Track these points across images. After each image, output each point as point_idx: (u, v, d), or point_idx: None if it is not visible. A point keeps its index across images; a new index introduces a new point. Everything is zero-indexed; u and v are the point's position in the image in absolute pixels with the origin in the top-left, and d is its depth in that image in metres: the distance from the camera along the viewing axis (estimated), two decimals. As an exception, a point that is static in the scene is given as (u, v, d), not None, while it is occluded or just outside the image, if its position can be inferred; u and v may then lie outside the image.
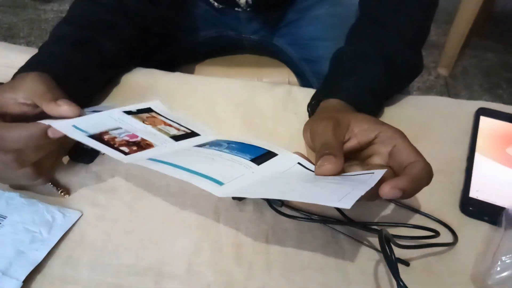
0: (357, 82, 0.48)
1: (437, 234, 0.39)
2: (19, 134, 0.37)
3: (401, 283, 0.33)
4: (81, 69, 0.51)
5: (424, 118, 0.52)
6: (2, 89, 0.42)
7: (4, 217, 0.41)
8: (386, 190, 0.33)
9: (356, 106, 0.46)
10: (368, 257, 0.39)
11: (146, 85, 0.58)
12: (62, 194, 0.44)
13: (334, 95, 0.47)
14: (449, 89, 1.65)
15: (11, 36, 1.93)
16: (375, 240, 0.39)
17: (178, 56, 0.79)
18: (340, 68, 0.52)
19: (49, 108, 0.40)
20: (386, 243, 0.35)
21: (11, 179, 0.42)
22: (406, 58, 0.51)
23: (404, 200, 0.43)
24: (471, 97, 1.60)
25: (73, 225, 0.42)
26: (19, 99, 0.41)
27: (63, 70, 0.47)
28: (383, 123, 0.39)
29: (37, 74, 0.43)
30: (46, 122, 0.38)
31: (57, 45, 0.50)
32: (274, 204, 0.42)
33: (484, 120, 0.51)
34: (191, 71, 0.80)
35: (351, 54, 0.52)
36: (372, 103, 0.48)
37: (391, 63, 0.50)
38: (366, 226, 0.41)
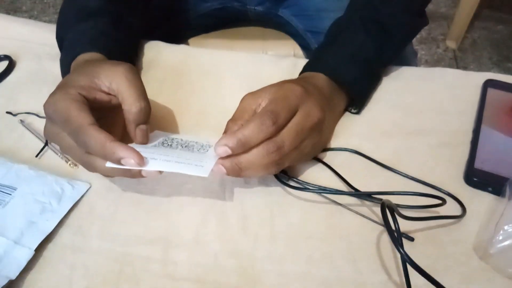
0: (336, 52, 0.49)
1: (443, 202, 0.39)
2: (97, 149, 0.36)
3: (402, 252, 0.33)
4: (122, 46, 0.51)
5: (431, 90, 0.52)
6: (88, 73, 0.41)
7: (15, 189, 0.42)
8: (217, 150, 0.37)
9: (334, 76, 0.47)
10: (372, 227, 0.40)
11: (150, 57, 0.57)
12: (71, 166, 0.45)
13: (315, 69, 0.48)
14: (457, 62, 1.62)
15: (13, 10, 1.91)
16: (379, 211, 0.40)
17: (182, 28, 0.78)
18: (325, 40, 0.53)
19: (129, 128, 0.40)
20: (390, 214, 0.36)
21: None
22: (398, 22, 0.51)
23: (410, 172, 0.44)
24: (479, 70, 1.56)
25: (82, 196, 0.43)
26: (103, 88, 0.40)
27: (113, 48, 0.48)
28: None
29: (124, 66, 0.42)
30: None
31: (99, 21, 0.50)
32: (282, 178, 0.43)
33: (491, 92, 0.50)
34: (195, 44, 0.79)
35: (335, 25, 0.53)
36: (354, 71, 0.48)
37: (379, 28, 0.50)
38: (371, 195, 0.41)
